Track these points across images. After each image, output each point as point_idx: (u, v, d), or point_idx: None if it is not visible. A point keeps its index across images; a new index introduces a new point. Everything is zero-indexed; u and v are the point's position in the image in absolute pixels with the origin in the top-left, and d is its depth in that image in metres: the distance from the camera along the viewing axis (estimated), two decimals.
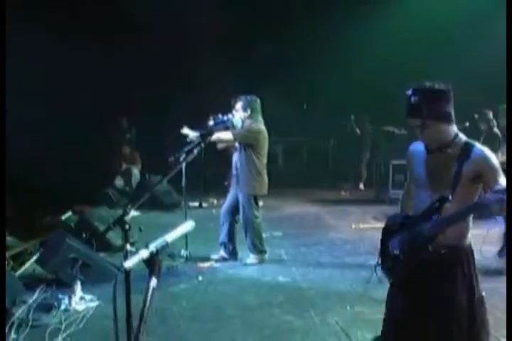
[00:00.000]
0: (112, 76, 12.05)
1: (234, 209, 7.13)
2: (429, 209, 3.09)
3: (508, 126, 3.41)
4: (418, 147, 3.30)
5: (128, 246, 3.15)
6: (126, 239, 3.22)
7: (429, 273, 3.13)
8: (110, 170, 12.63)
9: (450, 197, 3.01)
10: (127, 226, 3.21)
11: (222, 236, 7.23)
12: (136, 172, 12.68)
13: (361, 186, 14.19)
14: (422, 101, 3.04)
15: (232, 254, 7.27)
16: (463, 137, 3.15)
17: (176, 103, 13.50)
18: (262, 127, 7.05)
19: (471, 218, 3.18)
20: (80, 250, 6.30)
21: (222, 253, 7.27)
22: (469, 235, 3.22)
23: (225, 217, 7.20)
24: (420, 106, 3.04)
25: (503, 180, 2.98)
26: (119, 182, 12.48)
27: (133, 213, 3.33)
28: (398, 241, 3.22)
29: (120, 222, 3.24)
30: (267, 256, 7.22)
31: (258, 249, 7.14)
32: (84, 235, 7.53)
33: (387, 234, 3.37)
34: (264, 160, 7.11)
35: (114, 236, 7.29)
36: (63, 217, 8.83)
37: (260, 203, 7.20)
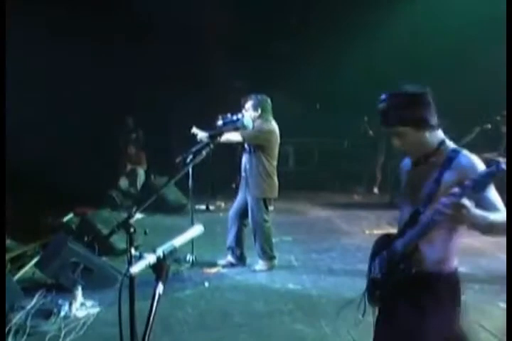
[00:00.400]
0: (117, 75, 12.07)
1: (242, 213, 7.12)
2: (405, 225, 2.99)
3: (508, 126, 3.19)
4: (407, 160, 3.17)
5: (132, 250, 3.14)
6: (130, 242, 3.21)
7: (404, 298, 2.97)
8: (114, 170, 12.65)
9: (422, 210, 2.87)
10: (132, 230, 3.20)
11: (230, 240, 7.22)
12: (141, 173, 12.70)
13: (375, 190, 14.13)
14: (389, 107, 2.89)
15: (240, 260, 7.25)
16: (450, 144, 2.96)
17: (183, 102, 13.50)
18: (273, 127, 7.05)
19: (456, 243, 2.97)
20: (81, 254, 6.30)
21: (230, 258, 7.25)
22: (454, 261, 3.00)
23: (233, 220, 7.18)
24: (388, 112, 2.90)
25: (491, 194, 2.79)
26: (123, 183, 12.51)
27: (137, 216, 3.32)
28: (378, 263, 3.13)
29: (125, 224, 3.23)
30: (276, 262, 7.21)
31: (267, 254, 7.12)
32: (86, 238, 7.54)
33: (372, 255, 3.24)
34: (275, 162, 7.11)
35: (117, 239, 7.29)
36: (64, 219, 8.85)
37: (271, 207, 7.18)
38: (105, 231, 7.57)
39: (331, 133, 15.15)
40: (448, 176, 2.82)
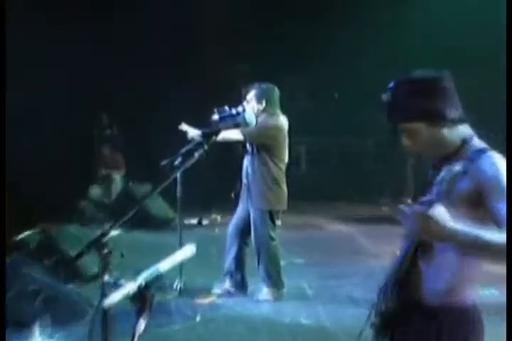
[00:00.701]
0: (90, 63, 12.11)
1: (244, 229, 7.10)
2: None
3: (507, 125, 3.04)
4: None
5: (106, 277, 3.11)
6: (104, 266, 3.18)
7: (400, 335, 2.93)
8: (86, 176, 12.63)
9: None
10: (106, 250, 3.16)
11: (229, 263, 7.20)
12: (117, 179, 12.69)
13: (408, 200, 14.07)
14: (395, 98, 2.83)
15: (241, 287, 7.23)
16: (478, 143, 2.82)
17: (170, 93, 13.50)
18: (281, 123, 7.08)
19: (473, 268, 2.79)
20: (42, 280, 6.28)
21: (228, 285, 7.23)
22: (470, 293, 2.84)
23: (233, 238, 7.17)
24: (394, 104, 2.83)
25: (502, 204, 2.58)
26: (95, 191, 12.50)
27: (113, 232, 3.29)
28: (384, 287, 3.03)
29: (97, 244, 3.20)
30: (285, 290, 7.17)
31: (274, 280, 7.09)
32: (48, 260, 7.51)
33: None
34: (283, 166, 7.12)
35: (88, 263, 7.25)
36: (20, 237, 8.80)
37: (278, 222, 7.17)
38: (72, 252, 7.54)
39: (351, 130, 15.14)
40: (462, 184, 2.65)
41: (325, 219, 12.14)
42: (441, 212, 2.50)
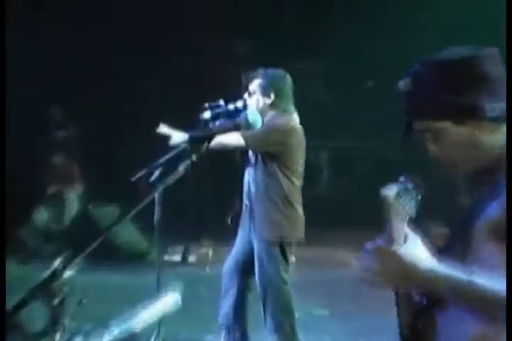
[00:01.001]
0: (43, 45, 12.25)
1: (245, 267, 7.10)
2: None
3: (508, 127, 2.90)
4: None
5: (58, 335, 3.10)
6: (55, 320, 3.16)
7: None
8: (27, 194, 12.63)
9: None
10: (58, 299, 3.14)
11: (225, 313, 7.18)
12: (72, 198, 12.69)
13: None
14: (414, 87, 2.68)
15: None
16: None
17: (147, 82, 13.58)
18: (295, 124, 7.08)
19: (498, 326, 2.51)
20: None
21: None
22: None
23: (230, 279, 7.16)
24: (414, 95, 2.69)
25: None
26: (41, 215, 12.48)
27: (67, 272, 3.28)
28: None
29: (45, 289, 3.18)
30: None
31: (286, 337, 7.06)
32: None
33: None
34: (298, 181, 7.10)
35: (32, 315, 7.23)
36: None
37: (292, 258, 7.14)
38: (10, 301, 7.53)
39: (388, 131, 15.10)
40: (493, 210, 2.52)
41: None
42: (411, 247, 2.51)
